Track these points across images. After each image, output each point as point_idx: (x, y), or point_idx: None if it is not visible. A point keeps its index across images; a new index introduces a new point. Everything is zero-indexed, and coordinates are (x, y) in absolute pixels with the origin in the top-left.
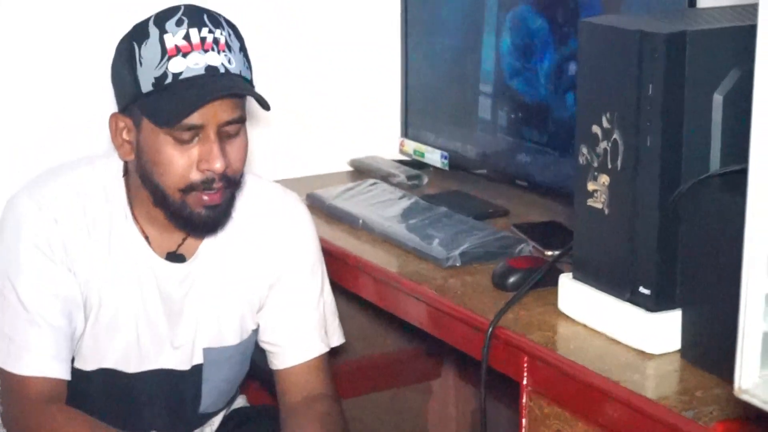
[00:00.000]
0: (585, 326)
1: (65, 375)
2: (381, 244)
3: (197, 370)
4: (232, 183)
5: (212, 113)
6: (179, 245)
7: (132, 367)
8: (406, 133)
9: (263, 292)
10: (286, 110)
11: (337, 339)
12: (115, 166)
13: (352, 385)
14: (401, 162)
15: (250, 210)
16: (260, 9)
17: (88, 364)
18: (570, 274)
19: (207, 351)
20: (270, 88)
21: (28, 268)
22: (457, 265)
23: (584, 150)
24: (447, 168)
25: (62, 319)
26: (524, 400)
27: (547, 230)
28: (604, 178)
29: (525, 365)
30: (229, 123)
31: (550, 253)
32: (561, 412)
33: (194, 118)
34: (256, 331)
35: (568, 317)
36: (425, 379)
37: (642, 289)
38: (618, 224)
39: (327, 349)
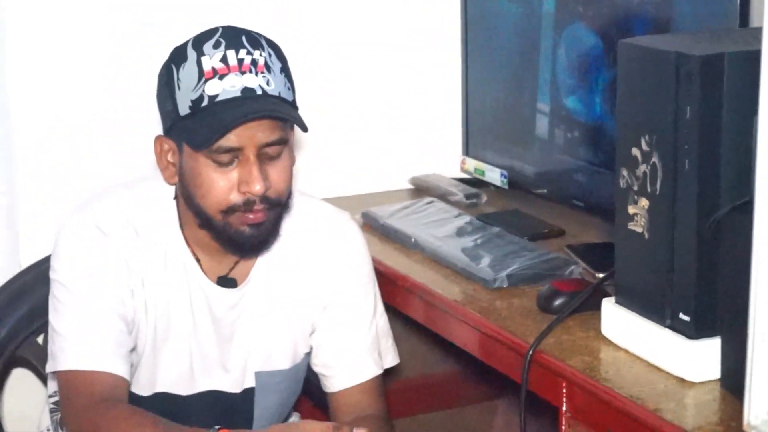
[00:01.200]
0: (626, 352)
1: (122, 372)
2: (431, 263)
3: (249, 393)
4: (275, 204)
5: (250, 135)
6: (231, 269)
7: (185, 389)
8: (467, 151)
9: (316, 315)
10: (348, 128)
11: (390, 360)
12: (166, 188)
13: (410, 404)
14: (462, 180)
15: (302, 231)
16: (322, 26)
17: (144, 389)
18: (613, 299)
19: (258, 375)
20: (333, 106)
21: (89, 282)
22: (504, 286)
23: (624, 173)
24: (506, 187)
25: (121, 327)
26: (563, 426)
27: (601, 252)
28: (644, 202)
29: (564, 390)
30: (268, 145)
31: (601, 275)
32: None
33: (231, 141)
34: (308, 354)
35: (610, 342)
36: (489, 398)
37: (682, 316)
38: (657, 249)
39: (380, 371)
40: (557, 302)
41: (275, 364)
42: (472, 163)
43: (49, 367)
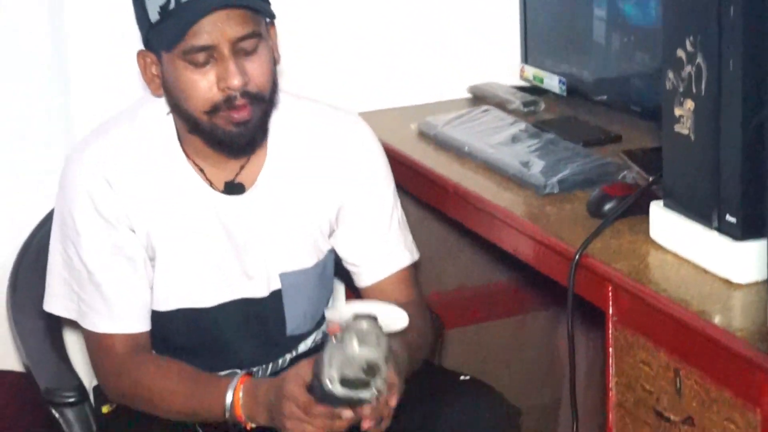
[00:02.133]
0: (674, 255)
1: (142, 327)
2: (484, 171)
3: (276, 295)
4: (257, 99)
5: (221, 31)
6: (237, 174)
7: (209, 301)
8: (526, 59)
9: (332, 215)
10: (406, 38)
11: (415, 253)
12: (158, 108)
13: (471, 313)
14: (520, 88)
15: (308, 132)
16: None
17: (164, 306)
18: (661, 202)
19: (283, 276)
20: (391, 16)
21: (87, 232)
22: (555, 192)
23: (670, 75)
24: (565, 94)
25: (127, 276)
26: (610, 330)
27: (656, 156)
28: (690, 104)
29: (610, 295)
30: (241, 39)
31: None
32: (645, 342)
33: (203, 39)
34: (332, 251)
35: (658, 246)
36: (551, 306)
37: (728, 218)
38: (703, 150)
39: (411, 260)
40: (607, 207)
41: (298, 263)
42: (530, 71)
43: (77, 319)
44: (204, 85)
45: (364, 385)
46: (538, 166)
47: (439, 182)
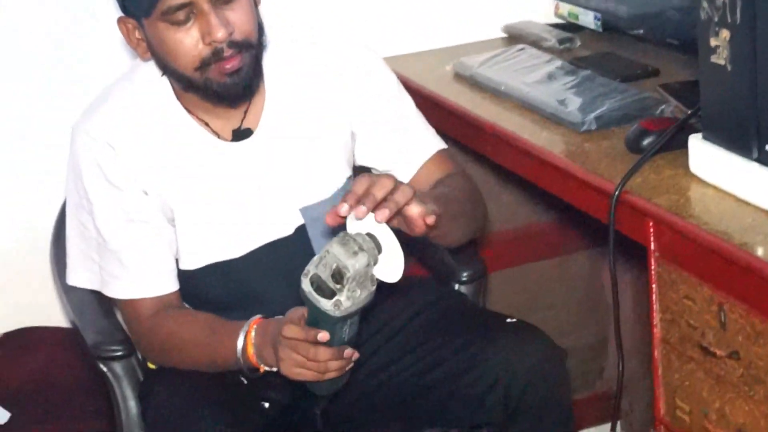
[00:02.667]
0: (715, 188)
1: (166, 289)
2: (521, 110)
3: (301, 231)
4: (245, 46)
5: None
6: (242, 120)
7: (236, 251)
8: None
9: (345, 135)
10: None
11: (443, 143)
12: (152, 70)
13: (514, 254)
14: (556, 26)
15: (302, 60)
16: None
17: (192, 264)
18: (700, 135)
19: (304, 210)
20: None
21: (99, 201)
22: (593, 129)
23: (705, 4)
24: (600, 29)
25: (144, 240)
26: (652, 266)
27: (694, 89)
28: (725, 33)
29: (651, 230)
30: None
31: None
32: (688, 278)
33: None
34: (351, 178)
35: (698, 179)
36: (595, 246)
37: None
38: (740, 81)
39: (444, 145)
40: (645, 142)
41: (317, 195)
42: (565, 7)
43: (101, 289)
44: (189, 43)
45: (330, 294)
46: (575, 103)
47: (477, 123)
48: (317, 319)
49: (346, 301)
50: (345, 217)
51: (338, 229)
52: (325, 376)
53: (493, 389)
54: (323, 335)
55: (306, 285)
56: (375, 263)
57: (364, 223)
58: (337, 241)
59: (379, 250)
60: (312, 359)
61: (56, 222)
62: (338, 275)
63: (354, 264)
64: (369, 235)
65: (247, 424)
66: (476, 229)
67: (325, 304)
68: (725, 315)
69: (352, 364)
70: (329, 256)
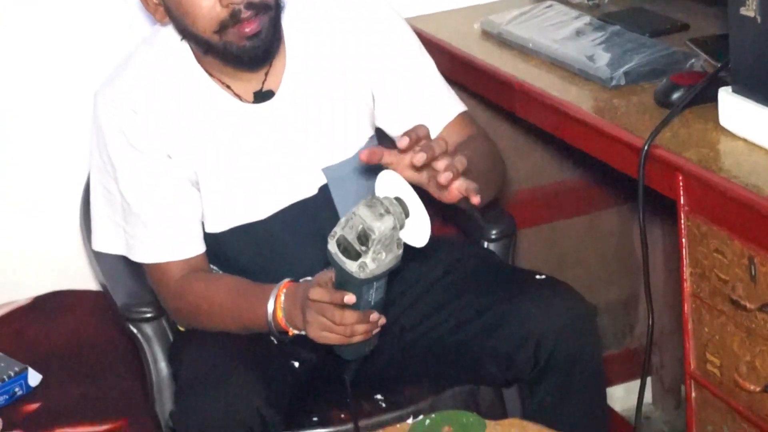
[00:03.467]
0: (745, 141)
1: (192, 252)
2: (549, 67)
3: (325, 190)
4: (263, 8)
5: None
6: (263, 82)
7: (261, 213)
8: None
9: (366, 95)
10: None
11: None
12: (172, 34)
13: (544, 211)
14: None
15: (322, 19)
16: None
17: (218, 227)
18: (730, 88)
19: (327, 170)
20: None
21: (123, 165)
22: (622, 84)
23: None
24: None
25: (169, 204)
26: (682, 220)
27: (724, 43)
28: None
29: (680, 184)
30: None
31: None
32: (718, 231)
33: None
34: (373, 138)
35: (728, 133)
36: (625, 202)
37: None
38: None
39: (464, 108)
40: (675, 96)
41: (340, 155)
42: None
43: (126, 254)
44: (207, 5)
45: (355, 255)
46: (603, 59)
47: (505, 81)
48: (344, 281)
49: (371, 263)
50: (380, 159)
51: (364, 192)
52: (352, 340)
53: (522, 346)
54: (350, 297)
55: (332, 246)
56: (401, 227)
57: (392, 187)
58: (364, 203)
59: (407, 214)
60: (338, 323)
61: (85, 186)
62: (364, 237)
63: (380, 226)
64: (397, 198)
65: (278, 384)
66: (496, 191)
67: (351, 266)
68: (755, 268)
69: (378, 329)
70: (356, 217)
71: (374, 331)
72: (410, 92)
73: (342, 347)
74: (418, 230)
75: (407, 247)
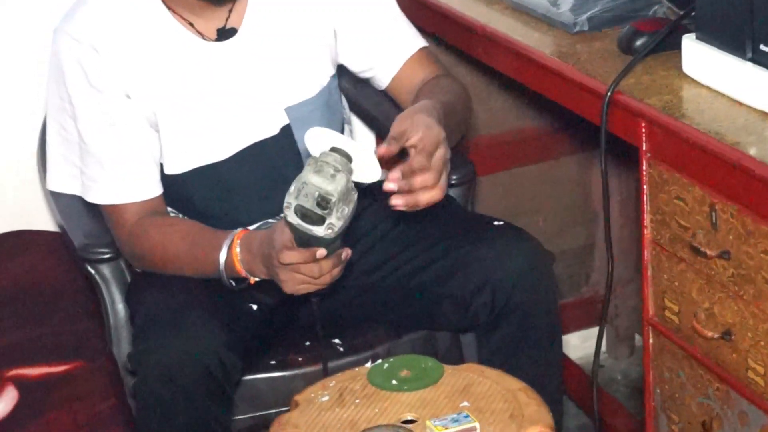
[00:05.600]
0: (708, 88)
1: (149, 194)
2: (513, 12)
3: (286, 130)
4: None
5: None
6: (227, 19)
7: (222, 153)
8: None
9: (328, 32)
10: None
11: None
12: None
13: (503, 158)
14: None
15: None
16: None
17: (178, 168)
18: (693, 35)
19: (289, 110)
20: None
21: (81, 104)
22: (585, 29)
23: None
24: None
25: (126, 144)
26: (644, 166)
27: None
28: None
29: (643, 130)
30: None
31: None
32: (679, 178)
33: None
34: (334, 77)
35: (691, 80)
36: (584, 150)
37: (763, 47)
38: None
39: (425, 43)
40: (638, 42)
41: (301, 94)
42: None
43: (82, 194)
44: None
45: (320, 220)
46: (567, 4)
47: (468, 25)
48: (309, 240)
49: (337, 222)
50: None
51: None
52: (331, 281)
53: (479, 291)
54: (321, 252)
55: (293, 218)
56: (351, 174)
57: (324, 140)
58: (311, 170)
59: (350, 159)
60: (318, 275)
61: (42, 125)
62: (324, 202)
63: (336, 187)
64: (335, 149)
65: (237, 327)
66: (465, 130)
67: (319, 231)
68: (716, 215)
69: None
70: (308, 186)
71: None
72: (371, 28)
73: None
74: (366, 167)
75: (371, 186)
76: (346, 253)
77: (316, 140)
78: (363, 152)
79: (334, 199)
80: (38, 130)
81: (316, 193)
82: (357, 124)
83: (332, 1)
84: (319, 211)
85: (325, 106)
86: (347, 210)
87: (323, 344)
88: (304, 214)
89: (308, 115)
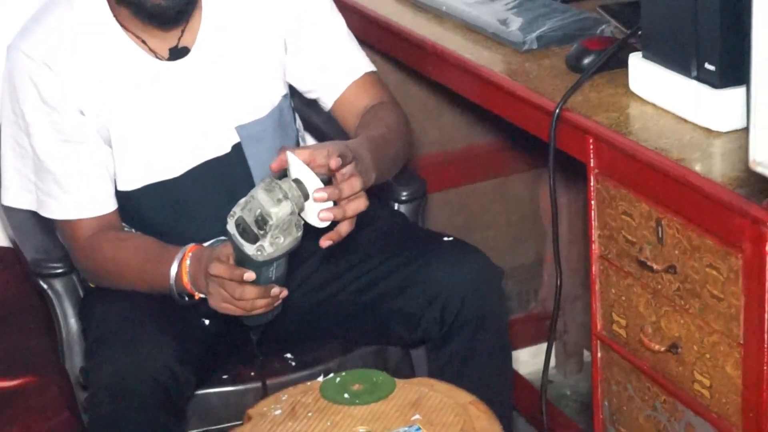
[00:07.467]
0: (654, 106)
1: (103, 210)
2: (463, 30)
3: (238, 148)
4: None
5: None
6: (179, 38)
7: (174, 171)
8: None
9: (279, 51)
10: None
11: (373, 66)
12: None
13: (453, 175)
14: None
15: None
16: None
17: (131, 185)
18: (640, 54)
19: (240, 128)
20: None
21: (35, 120)
22: (534, 48)
23: None
24: None
25: (80, 161)
26: (592, 182)
27: (634, 10)
28: None
29: (591, 147)
30: None
31: None
32: (626, 194)
33: None
34: (286, 97)
35: (638, 97)
36: (534, 167)
37: (707, 65)
38: None
39: (373, 68)
40: (586, 60)
41: (253, 113)
42: None
43: (37, 209)
44: None
45: (253, 238)
46: (516, 23)
47: (419, 43)
48: (243, 260)
49: (269, 246)
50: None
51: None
52: (252, 313)
53: (430, 306)
54: (249, 275)
55: (231, 227)
56: (301, 210)
57: (293, 167)
58: (262, 187)
59: (306, 197)
60: (238, 298)
61: None
62: (262, 221)
63: (277, 212)
64: (296, 181)
65: (189, 341)
66: (404, 162)
67: (249, 249)
68: (663, 230)
69: (280, 301)
70: (254, 201)
71: (275, 303)
72: (319, 48)
73: (244, 316)
74: (318, 212)
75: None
76: (282, 292)
77: (297, 165)
78: (322, 201)
79: (271, 222)
80: None
81: (258, 211)
82: (310, 141)
83: (283, 19)
84: (255, 228)
85: (277, 125)
86: (283, 241)
87: (264, 370)
88: (243, 228)
89: (260, 133)
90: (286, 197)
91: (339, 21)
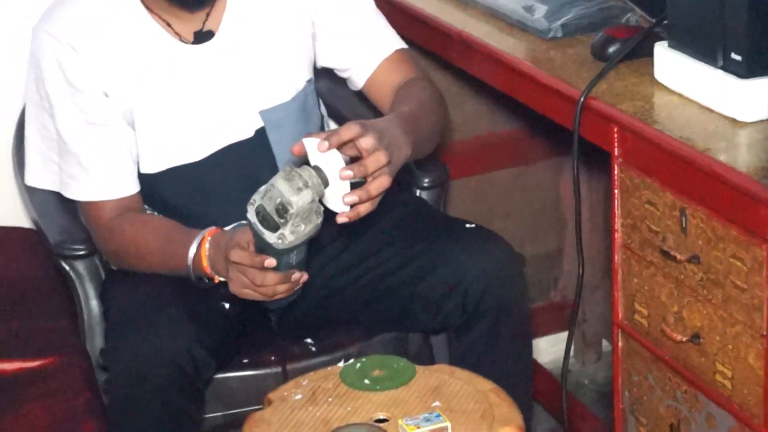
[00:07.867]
0: (680, 95)
1: (125, 192)
2: (488, 17)
3: (261, 133)
4: None
5: None
6: (204, 22)
7: (197, 154)
8: None
9: (306, 35)
10: None
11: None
12: None
13: (476, 162)
14: None
15: None
16: None
17: (154, 167)
18: (665, 43)
19: (263, 113)
20: None
21: (59, 102)
22: (559, 36)
23: None
24: None
25: (104, 142)
26: (615, 171)
27: (660, 0)
28: None
29: (615, 136)
30: None
31: None
32: (650, 183)
33: None
34: (311, 81)
35: (663, 86)
36: (556, 155)
37: (734, 55)
38: None
39: (404, 45)
40: (611, 49)
41: (277, 98)
42: None
43: (60, 190)
44: None
45: (274, 227)
46: (541, 10)
47: (444, 30)
48: (263, 247)
49: (290, 235)
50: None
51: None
52: (274, 298)
53: (451, 293)
54: (270, 262)
55: (251, 215)
56: (321, 197)
57: (313, 153)
58: (282, 176)
59: (326, 184)
60: (259, 284)
61: (18, 121)
62: (282, 210)
63: (297, 201)
64: (316, 168)
65: (209, 325)
66: (438, 138)
67: (269, 237)
68: (686, 220)
69: (300, 285)
70: (274, 189)
71: (296, 288)
72: (349, 26)
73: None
74: (339, 197)
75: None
76: (298, 275)
77: (307, 151)
78: (343, 184)
79: (292, 211)
80: (14, 127)
81: (278, 199)
82: (334, 127)
83: (310, 4)
84: (275, 217)
85: (301, 110)
86: (304, 228)
87: (284, 354)
88: (263, 215)
89: (283, 118)
90: (306, 186)
91: (367, 1)
